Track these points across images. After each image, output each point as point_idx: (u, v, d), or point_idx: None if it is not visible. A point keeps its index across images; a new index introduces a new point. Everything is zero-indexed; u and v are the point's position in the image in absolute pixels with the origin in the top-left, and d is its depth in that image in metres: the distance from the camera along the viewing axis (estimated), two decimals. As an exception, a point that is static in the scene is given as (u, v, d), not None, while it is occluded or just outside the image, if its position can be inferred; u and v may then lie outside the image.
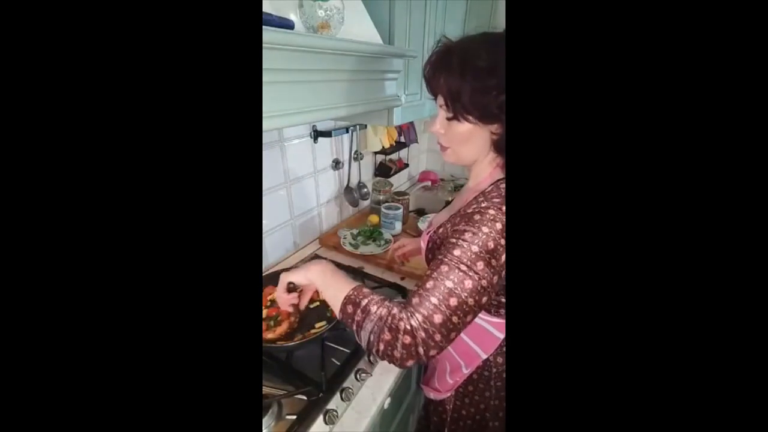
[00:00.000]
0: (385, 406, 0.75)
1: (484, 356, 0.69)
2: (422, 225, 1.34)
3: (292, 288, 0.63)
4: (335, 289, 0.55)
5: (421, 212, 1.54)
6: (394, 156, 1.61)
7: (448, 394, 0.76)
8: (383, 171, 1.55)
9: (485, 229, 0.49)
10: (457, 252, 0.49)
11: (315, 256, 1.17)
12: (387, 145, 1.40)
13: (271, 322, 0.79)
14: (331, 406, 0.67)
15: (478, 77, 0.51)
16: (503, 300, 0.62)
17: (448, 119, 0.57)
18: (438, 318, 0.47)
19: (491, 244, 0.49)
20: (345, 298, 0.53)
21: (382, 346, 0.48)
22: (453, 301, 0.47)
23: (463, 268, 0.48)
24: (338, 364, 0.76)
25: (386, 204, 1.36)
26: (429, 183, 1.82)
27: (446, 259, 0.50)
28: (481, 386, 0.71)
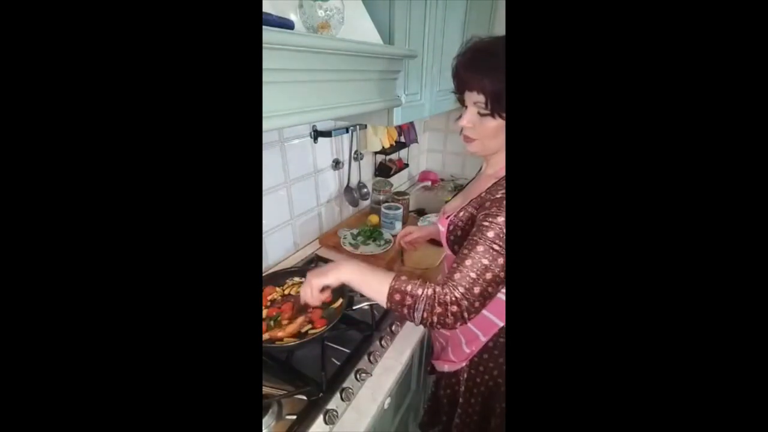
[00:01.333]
0: (385, 406, 0.75)
1: (501, 324, 0.73)
2: (422, 225, 1.34)
3: (325, 289, 0.67)
4: (376, 284, 0.60)
5: (421, 212, 1.54)
6: (394, 156, 1.61)
7: (464, 364, 0.79)
8: (383, 171, 1.55)
9: None
10: (490, 234, 0.56)
11: (315, 257, 1.17)
12: (387, 145, 1.40)
13: (271, 322, 0.79)
14: (331, 406, 0.67)
15: None
16: None
17: (482, 115, 0.61)
18: (477, 289, 0.56)
19: None
20: (390, 288, 0.58)
21: (435, 318, 0.56)
22: (488, 275, 0.56)
23: (496, 247, 0.56)
24: (338, 364, 0.76)
25: (386, 204, 1.36)
26: (429, 183, 1.82)
27: (481, 240, 0.57)
28: (496, 353, 0.75)
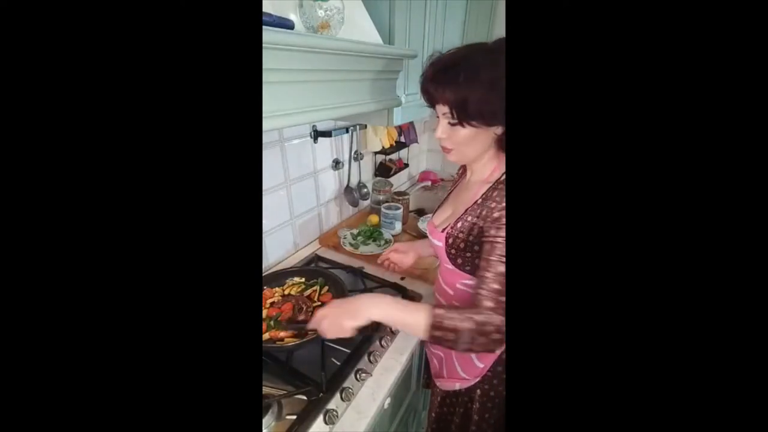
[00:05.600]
0: (385, 406, 0.75)
1: None
2: (422, 225, 1.34)
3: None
4: (411, 320, 0.60)
5: (421, 212, 1.53)
6: (394, 156, 1.61)
7: (476, 380, 0.76)
8: (383, 171, 1.55)
9: None
10: None
11: (315, 257, 1.17)
12: (387, 145, 1.40)
13: (271, 322, 0.79)
14: (331, 406, 0.67)
15: (483, 88, 0.56)
16: None
17: (452, 125, 0.62)
18: None
19: None
20: (430, 326, 0.57)
21: (480, 348, 0.57)
22: None
23: None
24: (338, 364, 0.76)
25: (386, 204, 1.36)
26: (429, 183, 1.82)
27: (502, 259, 0.57)
28: None
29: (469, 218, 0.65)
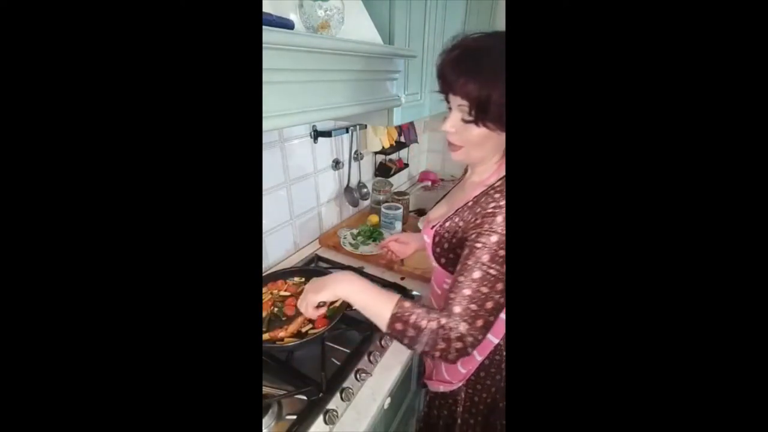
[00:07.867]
0: (385, 406, 0.75)
1: (496, 341, 0.70)
2: (422, 225, 1.34)
3: (321, 305, 0.65)
4: (376, 307, 0.57)
5: (421, 212, 1.54)
6: (394, 156, 1.61)
7: (460, 384, 0.76)
8: (383, 171, 1.55)
9: None
10: (485, 257, 0.53)
11: (315, 257, 1.17)
12: (387, 145, 1.40)
13: (274, 309, 0.80)
14: (331, 406, 0.67)
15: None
16: None
17: (465, 121, 0.56)
18: (480, 321, 0.53)
19: None
20: (392, 316, 0.55)
21: (438, 354, 0.53)
22: (489, 305, 0.53)
23: (493, 272, 0.53)
24: (338, 364, 0.76)
25: (386, 204, 1.36)
26: (429, 183, 1.82)
27: (477, 266, 0.54)
28: (493, 371, 0.73)
29: (457, 219, 0.63)
